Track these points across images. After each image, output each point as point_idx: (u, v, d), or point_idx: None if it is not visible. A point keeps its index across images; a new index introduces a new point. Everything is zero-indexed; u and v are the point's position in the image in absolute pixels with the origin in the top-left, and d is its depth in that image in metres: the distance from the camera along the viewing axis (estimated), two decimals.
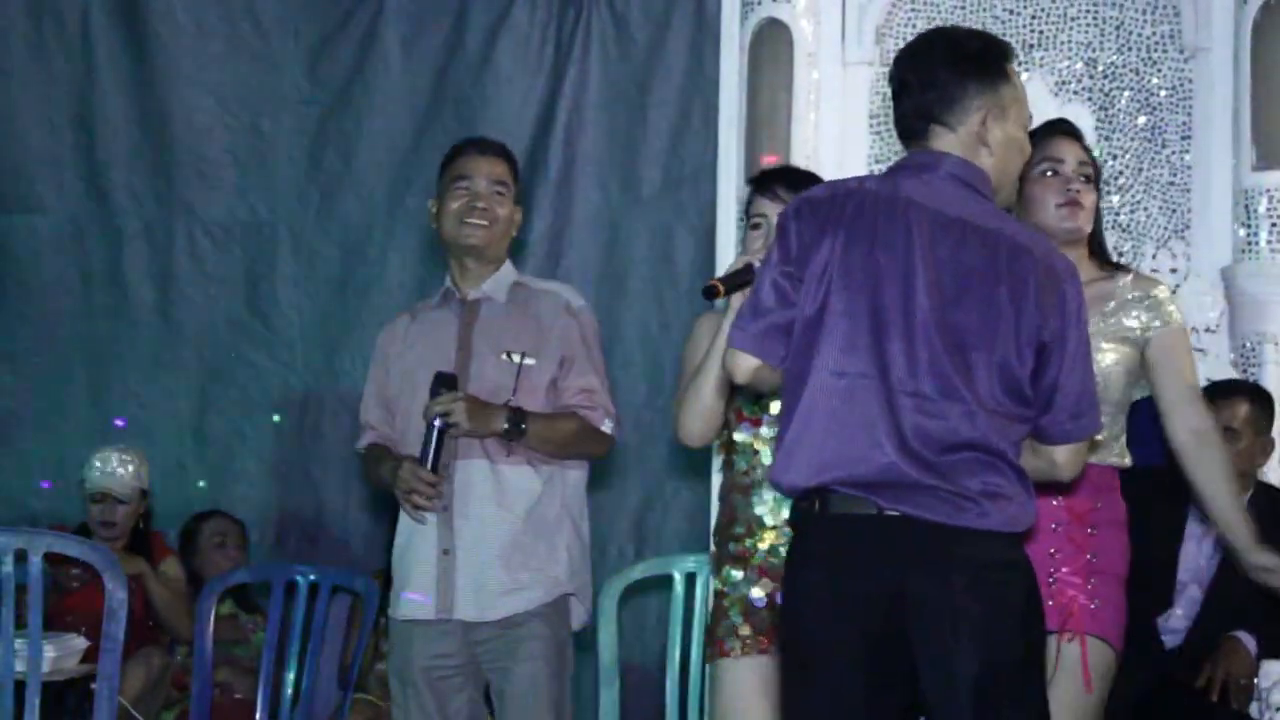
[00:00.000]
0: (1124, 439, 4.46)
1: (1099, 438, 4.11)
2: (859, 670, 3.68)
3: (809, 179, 4.62)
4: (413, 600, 4.81)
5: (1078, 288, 3.73)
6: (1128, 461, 4.46)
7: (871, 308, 3.65)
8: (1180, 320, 4.53)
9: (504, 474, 4.78)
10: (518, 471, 4.76)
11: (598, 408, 4.84)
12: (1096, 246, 4.54)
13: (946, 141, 3.73)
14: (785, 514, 4.30)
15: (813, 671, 3.76)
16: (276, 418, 7.73)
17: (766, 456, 4.45)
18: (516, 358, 4.79)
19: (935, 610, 3.62)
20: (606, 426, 4.93)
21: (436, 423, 4.60)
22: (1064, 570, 4.30)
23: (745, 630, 4.43)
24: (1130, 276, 4.52)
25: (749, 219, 4.65)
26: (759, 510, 4.47)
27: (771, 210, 4.43)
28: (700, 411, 4.45)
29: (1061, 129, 4.52)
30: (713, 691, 4.72)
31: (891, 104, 3.86)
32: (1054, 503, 4.22)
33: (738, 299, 4.27)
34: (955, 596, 3.61)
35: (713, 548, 4.68)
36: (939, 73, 3.77)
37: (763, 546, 4.45)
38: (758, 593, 4.44)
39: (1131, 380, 4.47)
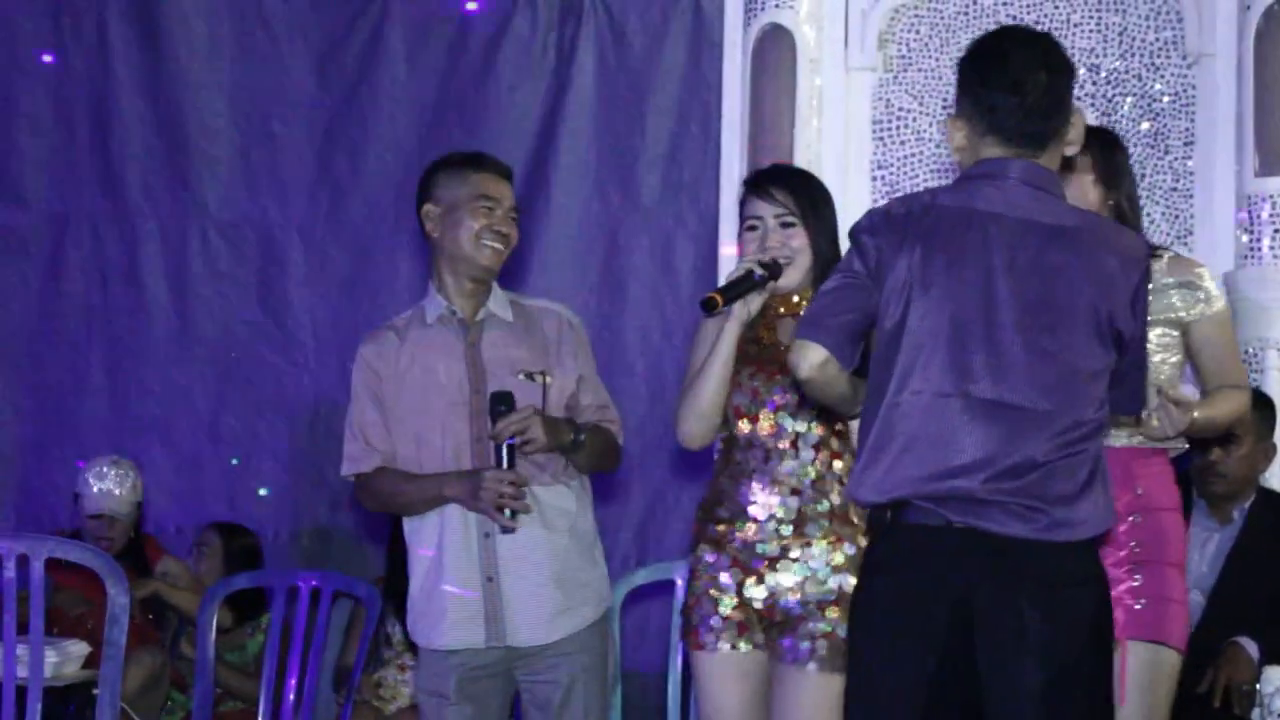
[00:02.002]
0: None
1: (1141, 416, 4.09)
2: (922, 679, 3.64)
3: (803, 178, 4.59)
4: (457, 632, 4.70)
5: (1147, 269, 3.69)
6: (1183, 445, 4.39)
7: (952, 321, 3.62)
8: (1223, 303, 4.44)
9: (541, 495, 4.69)
10: (554, 491, 4.69)
11: (616, 421, 4.83)
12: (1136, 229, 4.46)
13: (1055, 149, 3.68)
14: (775, 510, 4.33)
15: (876, 676, 3.72)
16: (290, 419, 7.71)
17: (762, 452, 4.41)
18: (539, 377, 4.73)
19: (1000, 624, 3.59)
20: (622, 439, 4.93)
21: (512, 440, 4.53)
22: (1106, 564, 4.18)
23: (717, 623, 4.38)
24: (1167, 258, 4.41)
25: (743, 220, 4.56)
26: (745, 501, 4.43)
27: (767, 211, 4.39)
28: (699, 412, 4.42)
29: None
30: (695, 676, 4.71)
31: (990, 109, 3.65)
32: None
33: (739, 308, 4.29)
34: (1024, 612, 3.57)
35: (694, 524, 4.64)
36: (1052, 90, 3.69)
37: (741, 536, 4.42)
38: (726, 579, 4.41)
39: (1175, 360, 4.39)
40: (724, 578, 4.42)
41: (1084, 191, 4.32)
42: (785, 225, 4.36)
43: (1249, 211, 5.92)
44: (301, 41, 7.85)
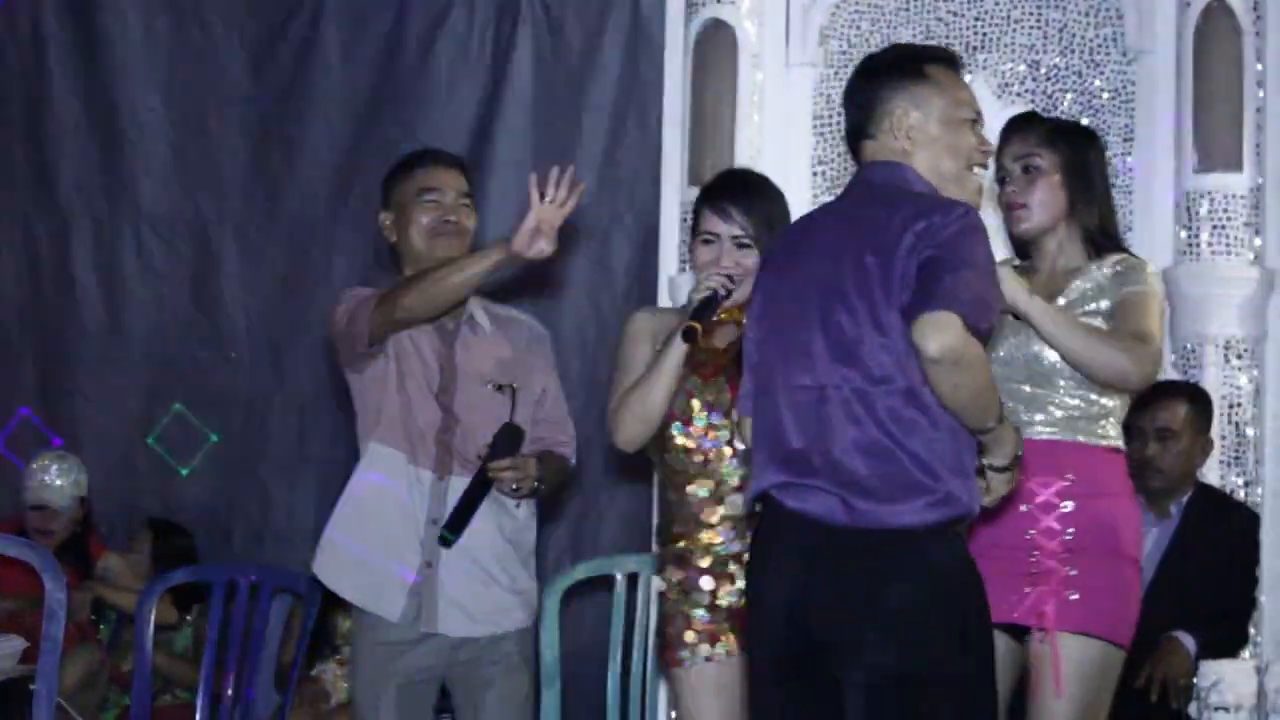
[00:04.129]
0: (1112, 420, 4.34)
1: (1074, 413, 4.12)
2: (779, 666, 3.71)
3: (761, 196, 4.58)
4: (383, 602, 4.70)
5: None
6: (1114, 443, 4.34)
7: (781, 327, 3.68)
8: (1155, 284, 4.42)
9: (497, 496, 4.73)
10: (508, 502, 4.75)
11: (570, 441, 4.84)
12: (1098, 232, 4.42)
13: (872, 150, 3.72)
14: (721, 511, 4.39)
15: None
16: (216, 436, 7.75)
17: (698, 455, 4.44)
18: (507, 390, 4.73)
19: (837, 613, 3.59)
20: (574, 458, 4.97)
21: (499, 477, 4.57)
22: (1039, 554, 4.22)
23: (690, 637, 4.39)
24: (1116, 257, 4.41)
25: (698, 230, 4.57)
26: (697, 509, 4.44)
27: (724, 230, 4.41)
28: (645, 418, 4.41)
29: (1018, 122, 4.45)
30: (674, 697, 4.78)
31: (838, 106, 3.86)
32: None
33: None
34: (855, 599, 3.58)
35: (656, 547, 4.67)
36: (857, 89, 3.79)
37: (701, 543, 4.43)
38: (699, 591, 4.41)
39: None
40: (697, 591, 4.45)
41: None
42: (741, 246, 4.38)
43: (1187, 208, 5.92)
44: (237, 38, 7.81)
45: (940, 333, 3.47)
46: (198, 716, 5.79)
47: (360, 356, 4.69)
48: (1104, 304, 4.32)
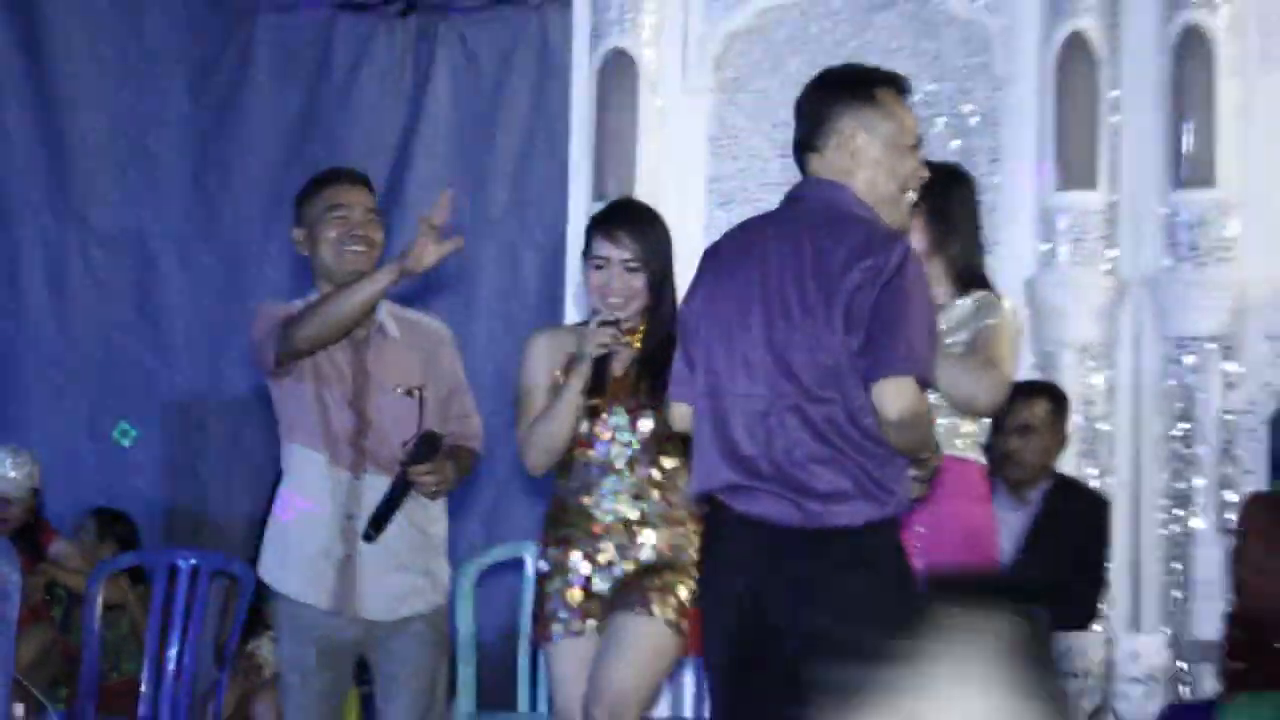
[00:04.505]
0: (970, 438, 4.46)
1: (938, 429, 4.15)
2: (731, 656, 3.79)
3: (647, 221, 4.71)
4: (310, 590, 4.79)
5: (885, 254, 3.67)
6: (968, 454, 4.46)
7: (726, 334, 3.73)
8: (1009, 317, 4.50)
9: (412, 497, 4.85)
10: (421, 500, 4.85)
11: (478, 435, 4.92)
12: (963, 269, 4.51)
13: (816, 164, 3.75)
14: (620, 514, 4.55)
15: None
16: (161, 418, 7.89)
17: (598, 468, 4.61)
18: (415, 393, 4.82)
19: (792, 602, 3.67)
20: (481, 447, 5.03)
21: (413, 481, 4.65)
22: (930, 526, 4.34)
23: (564, 614, 4.56)
24: (979, 294, 4.50)
25: (590, 255, 4.68)
26: (589, 512, 4.60)
27: (614, 254, 4.52)
28: (550, 449, 4.59)
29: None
30: (547, 668, 4.94)
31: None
32: None
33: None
34: (797, 594, 3.66)
35: (543, 536, 4.78)
36: (809, 101, 3.82)
37: (587, 539, 4.59)
38: (574, 575, 4.58)
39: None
40: (572, 574, 4.59)
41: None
42: (630, 269, 4.51)
43: (1047, 222, 6.09)
44: (177, 64, 8.08)
45: (900, 398, 3.59)
46: (143, 689, 5.97)
47: (273, 373, 4.83)
48: (963, 336, 4.40)
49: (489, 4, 7.93)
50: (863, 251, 3.56)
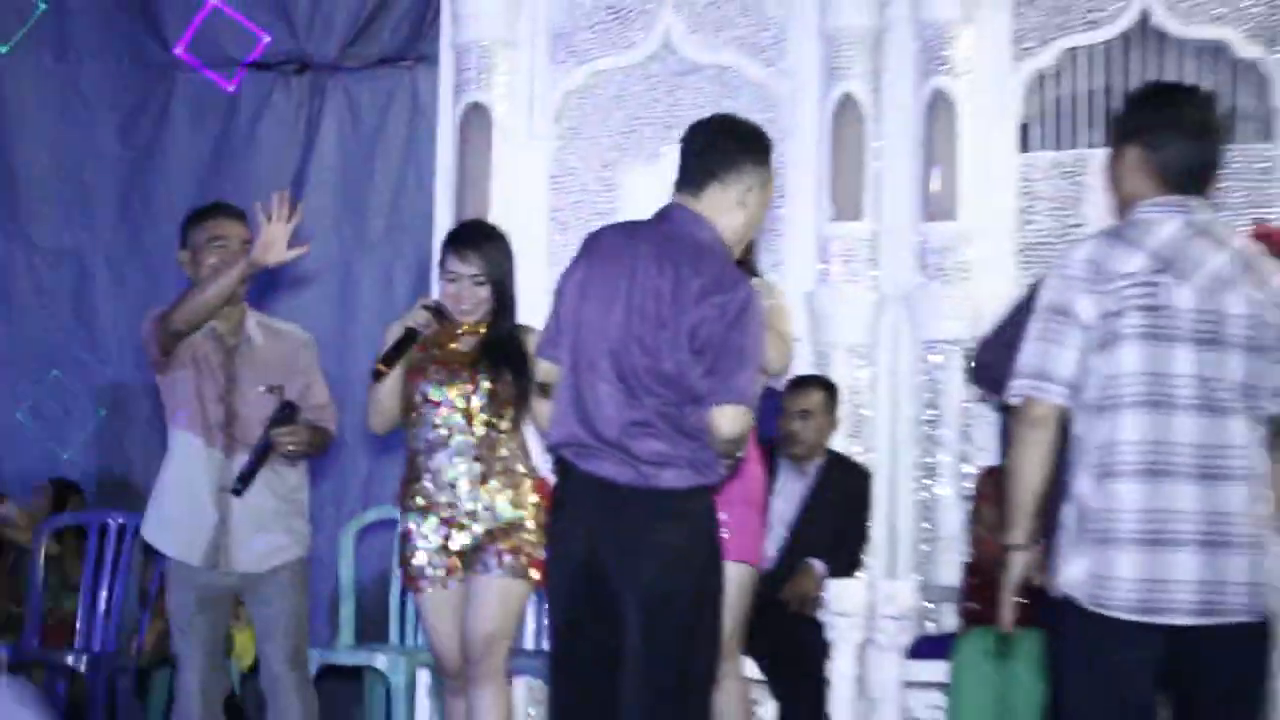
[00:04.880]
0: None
1: None
2: (572, 598, 3.82)
3: (491, 241, 4.71)
4: (187, 550, 4.84)
5: (734, 294, 3.71)
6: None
7: (592, 318, 3.74)
8: (782, 299, 4.64)
9: (277, 465, 4.86)
10: (284, 469, 4.88)
11: (333, 417, 4.97)
12: (743, 263, 4.43)
13: (710, 192, 3.74)
14: (463, 472, 4.55)
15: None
16: (101, 410, 7.92)
17: (446, 430, 4.61)
18: (276, 390, 4.83)
19: (621, 549, 3.72)
20: (335, 429, 5.08)
21: (271, 443, 4.67)
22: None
23: (429, 571, 4.61)
24: (754, 280, 4.45)
25: (445, 270, 4.68)
26: (439, 471, 4.61)
27: (463, 270, 4.54)
28: (382, 412, 4.68)
29: None
30: (419, 615, 4.96)
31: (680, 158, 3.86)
32: None
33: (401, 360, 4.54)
34: (627, 540, 3.72)
35: (400, 496, 4.79)
36: (720, 144, 3.79)
37: (441, 499, 4.60)
38: (433, 536, 4.61)
39: None
40: (432, 536, 4.61)
41: None
42: (477, 284, 4.54)
43: (824, 247, 6.15)
44: (109, 110, 8.02)
45: (734, 423, 3.63)
46: (79, 626, 6.07)
47: (161, 364, 4.83)
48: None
49: (370, 65, 7.86)
50: (715, 288, 3.59)
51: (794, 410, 5.52)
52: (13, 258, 7.94)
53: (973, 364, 4.20)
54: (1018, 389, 3.30)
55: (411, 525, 4.66)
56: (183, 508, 4.78)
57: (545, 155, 6.53)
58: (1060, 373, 3.27)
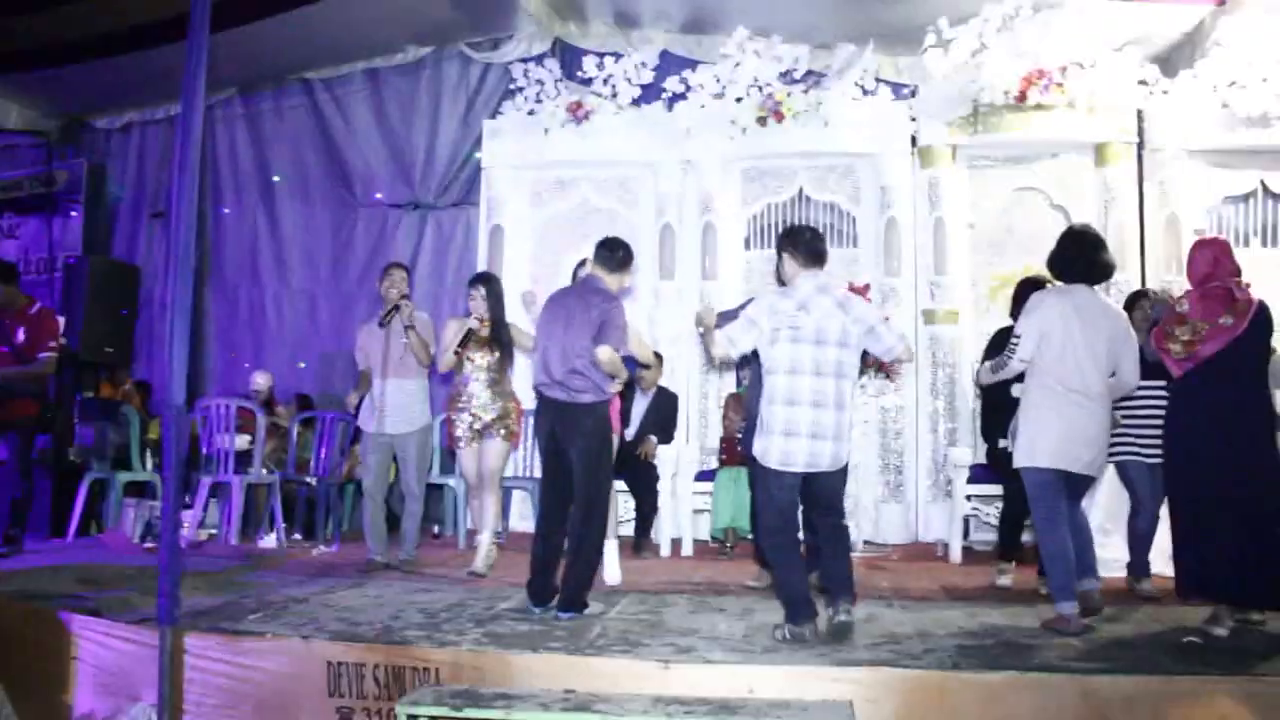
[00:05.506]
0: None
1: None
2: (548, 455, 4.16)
3: (491, 279, 5.08)
4: (369, 423, 5.25)
5: (605, 303, 4.08)
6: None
7: (555, 326, 4.14)
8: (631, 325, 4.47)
9: (402, 384, 5.18)
10: (409, 378, 5.17)
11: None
12: None
13: (603, 271, 4.19)
14: (481, 395, 5.04)
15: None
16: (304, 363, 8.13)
17: (471, 375, 5.07)
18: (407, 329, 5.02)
19: (566, 430, 4.11)
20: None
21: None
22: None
23: (462, 438, 5.10)
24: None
25: (469, 298, 5.06)
26: (470, 393, 5.07)
27: (479, 296, 4.96)
28: (448, 363, 5.05)
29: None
30: (458, 458, 5.27)
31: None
32: None
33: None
34: (570, 425, 4.10)
35: (449, 403, 5.20)
36: (610, 250, 4.23)
37: (469, 405, 5.08)
38: (465, 418, 5.10)
39: None
40: (464, 418, 5.04)
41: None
42: (486, 304, 5.04)
43: (656, 292, 7.07)
44: (328, 226, 8.34)
45: (606, 354, 4.05)
46: (311, 464, 6.75)
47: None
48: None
49: (448, 206, 8.22)
50: (601, 302, 4.11)
51: (643, 366, 5.63)
52: (280, 295, 8.52)
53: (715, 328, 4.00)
54: (721, 346, 3.91)
55: (453, 417, 5.08)
56: (367, 402, 5.32)
57: (527, 250, 7.48)
58: (742, 346, 3.88)
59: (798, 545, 3.87)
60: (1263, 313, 3.93)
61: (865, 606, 4.31)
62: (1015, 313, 4.85)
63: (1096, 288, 4.17)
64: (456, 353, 4.94)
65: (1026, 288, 4.86)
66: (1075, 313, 4.03)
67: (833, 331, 3.73)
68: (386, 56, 8.00)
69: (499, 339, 4.98)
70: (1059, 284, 4.22)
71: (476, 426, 4.98)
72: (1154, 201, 6.81)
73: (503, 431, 4.99)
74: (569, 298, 4.19)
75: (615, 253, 4.23)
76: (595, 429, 4.08)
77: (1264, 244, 6.88)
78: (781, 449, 3.71)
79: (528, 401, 5.04)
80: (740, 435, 5.40)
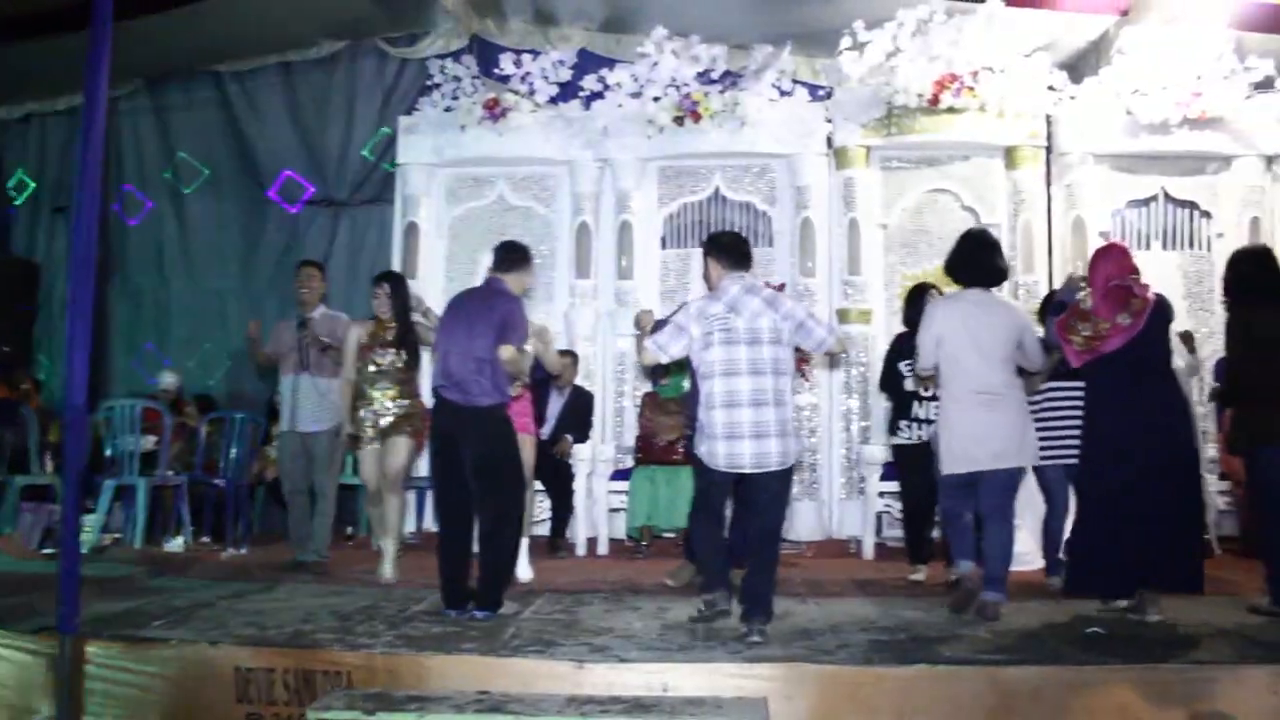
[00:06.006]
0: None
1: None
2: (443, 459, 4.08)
3: (396, 277, 5.07)
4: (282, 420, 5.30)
5: (506, 304, 4.10)
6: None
7: (456, 328, 4.13)
8: (542, 327, 4.93)
9: (319, 379, 5.20)
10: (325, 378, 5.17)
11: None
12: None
13: (505, 271, 4.22)
14: (383, 399, 5.02)
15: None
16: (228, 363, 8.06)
17: (376, 374, 5.03)
18: (323, 341, 5.12)
19: (463, 433, 4.05)
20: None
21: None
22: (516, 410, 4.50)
23: (366, 438, 5.05)
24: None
25: (373, 297, 5.04)
26: (373, 390, 5.03)
27: (383, 294, 4.94)
28: (347, 365, 4.96)
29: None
30: (359, 459, 5.20)
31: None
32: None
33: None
34: (467, 428, 4.03)
35: (353, 404, 5.09)
36: (508, 251, 4.30)
37: (374, 407, 5.06)
38: (370, 419, 5.03)
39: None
40: (367, 416, 5.00)
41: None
42: (391, 302, 5.02)
43: (573, 289, 7.09)
44: (239, 223, 8.21)
45: (509, 352, 4.05)
46: (220, 465, 6.61)
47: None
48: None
49: (363, 203, 8.16)
50: (501, 305, 4.14)
51: (561, 361, 5.86)
52: (189, 293, 8.32)
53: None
54: (650, 353, 3.91)
55: (355, 416, 5.07)
56: (284, 402, 5.42)
57: (442, 248, 7.48)
58: (672, 352, 3.91)
59: (721, 530, 3.97)
60: (1160, 309, 4.09)
61: (780, 603, 4.36)
62: (907, 318, 5.10)
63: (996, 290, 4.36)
64: (362, 354, 4.94)
65: (917, 293, 5.07)
66: (970, 315, 4.19)
67: (765, 330, 3.77)
68: (301, 50, 7.91)
69: (404, 340, 4.94)
70: (951, 289, 4.40)
71: (381, 425, 4.93)
72: (1061, 204, 6.98)
73: (408, 429, 4.93)
74: (471, 300, 4.19)
75: (514, 254, 4.26)
76: (495, 432, 4.07)
77: (1164, 247, 7.08)
78: (726, 452, 3.75)
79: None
80: (675, 436, 5.78)
